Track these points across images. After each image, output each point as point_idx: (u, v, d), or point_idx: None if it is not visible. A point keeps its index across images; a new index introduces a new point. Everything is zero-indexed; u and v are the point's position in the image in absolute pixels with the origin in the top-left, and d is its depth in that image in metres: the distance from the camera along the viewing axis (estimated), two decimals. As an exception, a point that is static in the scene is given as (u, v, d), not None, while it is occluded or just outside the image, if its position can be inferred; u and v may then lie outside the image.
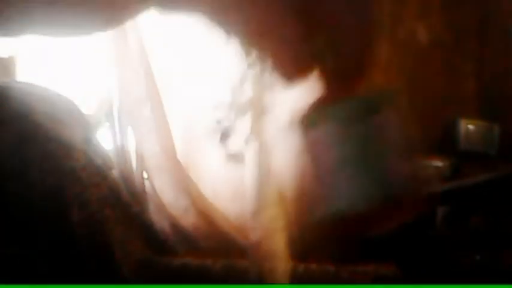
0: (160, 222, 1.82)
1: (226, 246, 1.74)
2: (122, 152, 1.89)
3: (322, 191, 0.27)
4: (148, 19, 1.74)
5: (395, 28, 2.64)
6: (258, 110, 0.28)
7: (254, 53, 0.26)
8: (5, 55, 1.80)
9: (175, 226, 1.86)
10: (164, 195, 1.89)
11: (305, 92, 0.30)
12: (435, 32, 2.71)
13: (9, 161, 1.17)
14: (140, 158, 1.90)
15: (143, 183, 1.91)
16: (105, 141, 1.80)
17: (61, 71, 1.89)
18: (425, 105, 2.67)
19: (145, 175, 1.92)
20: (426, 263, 2.11)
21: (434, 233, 2.26)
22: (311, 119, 0.27)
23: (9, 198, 1.16)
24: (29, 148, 1.18)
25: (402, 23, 2.65)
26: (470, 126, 2.66)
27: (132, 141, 1.91)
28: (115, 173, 1.70)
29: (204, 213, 1.87)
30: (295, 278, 1.24)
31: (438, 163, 2.57)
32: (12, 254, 1.00)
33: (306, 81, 0.29)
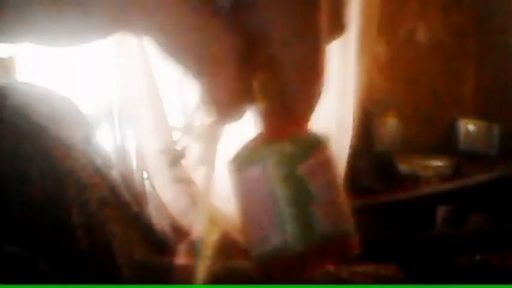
0: (160, 222, 1.82)
1: (226, 246, 1.74)
2: (122, 152, 1.89)
3: (255, 230, 0.27)
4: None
5: (395, 28, 2.64)
6: (209, 138, 0.29)
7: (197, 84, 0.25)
8: (5, 55, 1.80)
9: (175, 226, 1.86)
10: (164, 195, 1.89)
11: (246, 128, 0.30)
12: (435, 32, 2.72)
13: (8, 161, 1.17)
14: (140, 158, 1.90)
15: (143, 183, 1.92)
16: (105, 141, 1.80)
17: (61, 71, 1.89)
18: (426, 105, 2.68)
19: (145, 175, 1.92)
20: (426, 263, 2.11)
21: (434, 233, 2.27)
22: (246, 157, 0.27)
23: (8, 198, 1.16)
24: (29, 148, 1.18)
25: (402, 23, 2.66)
26: (470, 126, 2.66)
27: (132, 141, 1.91)
28: (115, 173, 1.70)
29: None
30: (295, 278, 1.24)
31: (438, 163, 2.58)
32: (12, 254, 1.00)
33: (243, 117, 0.28)
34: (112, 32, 0.28)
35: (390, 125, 2.57)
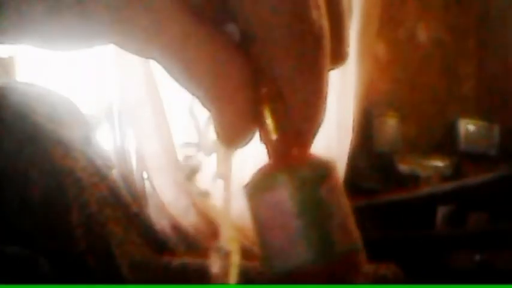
0: (160, 222, 1.82)
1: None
2: (122, 152, 1.89)
3: (274, 251, 0.29)
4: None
5: (395, 28, 2.64)
6: (224, 151, 0.29)
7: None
8: (5, 55, 1.80)
9: (176, 226, 1.86)
10: (164, 195, 1.89)
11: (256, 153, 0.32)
12: (435, 32, 2.72)
13: (8, 162, 1.17)
14: (140, 158, 1.90)
15: (143, 183, 1.92)
16: (105, 141, 1.80)
17: (61, 71, 1.89)
18: (426, 105, 2.68)
19: (145, 175, 1.92)
20: (426, 263, 2.11)
21: (434, 233, 2.27)
22: (264, 182, 0.29)
23: (9, 198, 1.16)
24: (29, 148, 1.18)
25: (402, 23, 2.66)
26: (470, 126, 2.66)
27: (132, 141, 1.92)
28: (115, 173, 1.70)
29: (204, 213, 1.87)
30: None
31: (438, 163, 2.58)
32: (12, 254, 1.00)
33: (249, 144, 0.30)
34: (112, 38, 0.28)
35: (390, 125, 2.57)
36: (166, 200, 1.89)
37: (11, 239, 1.10)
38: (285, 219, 0.29)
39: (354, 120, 2.23)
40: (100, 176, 1.29)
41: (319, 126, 0.29)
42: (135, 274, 1.26)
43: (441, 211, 2.26)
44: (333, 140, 2.09)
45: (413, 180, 2.48)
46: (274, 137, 0.29)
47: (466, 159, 2.62)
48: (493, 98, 2.69)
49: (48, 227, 1.18)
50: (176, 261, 1.33)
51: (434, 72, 2.71)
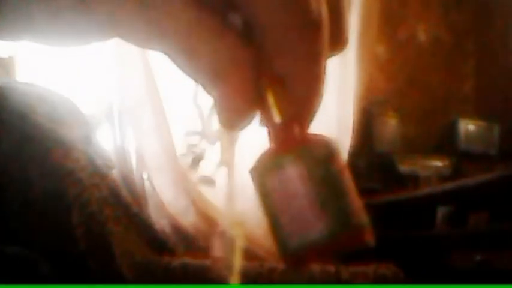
0: (160, 222, 1.82)
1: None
2: (121, 151, 1.89)
3: (289, 227, 0.30)
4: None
5: (395, 28, 2.64)
6: (227, 139, 0.29)
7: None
8: (5, 55, 1.80)
9: (175, 226, 1.86)
10: (164, 195, 1.90)
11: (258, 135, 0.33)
12: (435, 32, 2.72)
13: (9, 161, 1.17)
14: (140, 158, 1.90)
15: (143, 183, 1.92)
16: (105, 141, 1.80)
17: (61, 71, 1.89)
18: (426, 105, 2.68)
19: (145, 175, 1.92)
20: (426, 263, 2.11)
21: (434, 233, 2.27)
22: (272, 163, 0.30)
23: (9, 198, 1.16)
24: (29, 148, 1.18)
25: (402, 23, 2.66)
26: (470, 126, 2.67)
27: (132, 141, 1.92)
28: (115, 173, 1.70)
29: (204, 213, 1.87)
30: (295, 278, 1.24)
31: (438, 163, 2.58)
32: (12, 255, 1.00)
33: (252, 126, 0.31)
34: (112, 33, 0.28)
35: (390, 125, 2.57)
36: (166, 200, 1.89)
37: (11, 239, 1.10)
38: (299, 196, 0.29)
39: (354, 120, 2.23)
40: (100, 175, 1.29)
41: (317, 109, 0.30)
42: (135, 274, 1.26)
43: (441, 211, 2.26)
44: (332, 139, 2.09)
45: (413, 180, 2.48)
46: (276, 119, 0.30)
47: (465, 159, 2.62)
48: (493, 98, 2.70)
49: (48, 227, 1.18)
50: (176, 261, 1.33)
51: (434, 72, 2.71)
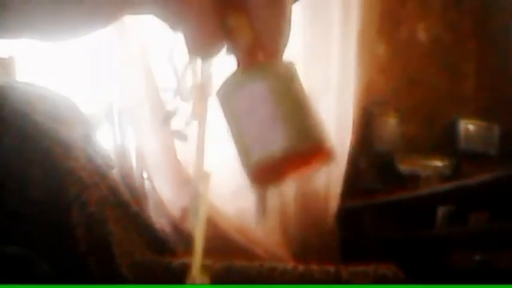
0: (160, 222, 1.82)
1: (226, 246, 1.74)
2: (121, 151, 1.89)
3: (253, 140, 0.32)
4: (149, 20, 1.74)
5: (395, 28, 2.64)
6: (199, 95, 0.30)
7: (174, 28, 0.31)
8: (5, 55, 1.80)
9: (175, 226, 1.86)
10: (164, 194, 1.90)
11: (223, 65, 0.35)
12: (435, 32, 2.72)
13: (9, 161, 1.17)
14: (140, 157, 1.90)
15: (143, 183, 1.92)
16: (105, 140, 1.80)
17: (61, 71, 1.89)
18: (426, 105, 2.68)
19: (145, 175, 1.92)
20: (426, 263, 2.11)
21: (434, 233, 2.27)
22: (238, 81, 0.32)
23: (9, 197, 1.16)
24: (29, 147, 1.18)
25: (402, 23, 2.66)
26: (470, 126, 2.66)
27: (132, 141, 1.92)
28: (115, 172, 1.70)
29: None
30: (295, 278, 1.24)
31: (438, 163, 2.58)
32: (12, 255, 1.00)
33: (217, 55, 0.33)
34: (108, 14, 0.30)
35: (390, 125, 2.57)
36: (166, 199, 1.89)
37: (11, 239, 1.10)
38: (264, 109, 0.31)
39: (354, 120, 2.23)
40: (100, 175, 1.29)
41: (282, 40, 0.32)
42: (135, 274, 1.26)
43: (441, 211, 2.26)
44: (333, 139, 2.09)
45: (413, 180, 2.47)
46: (241, 47, 0.32)
47: (465, 159, 2.61)
48: (493, 98, 2.69)
49: (48, 227, 1.18)
50: (176, 261, 1.33)
51: (434, 72, 2.71)
